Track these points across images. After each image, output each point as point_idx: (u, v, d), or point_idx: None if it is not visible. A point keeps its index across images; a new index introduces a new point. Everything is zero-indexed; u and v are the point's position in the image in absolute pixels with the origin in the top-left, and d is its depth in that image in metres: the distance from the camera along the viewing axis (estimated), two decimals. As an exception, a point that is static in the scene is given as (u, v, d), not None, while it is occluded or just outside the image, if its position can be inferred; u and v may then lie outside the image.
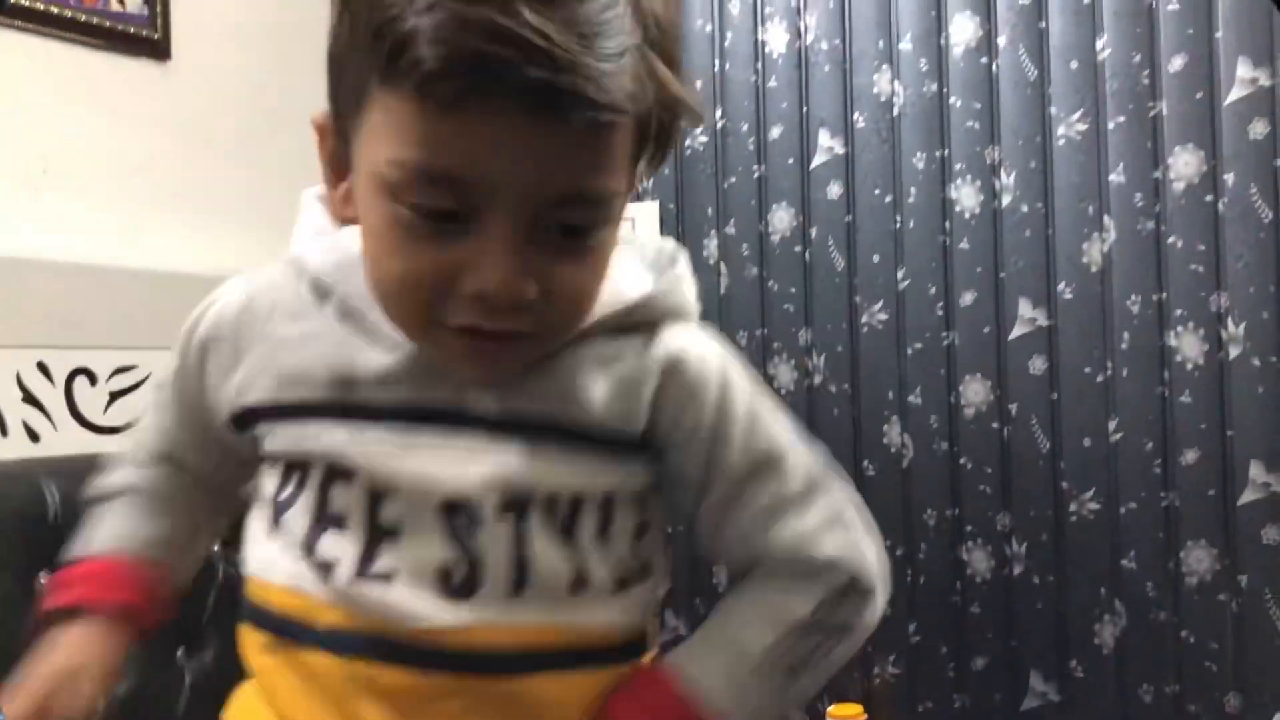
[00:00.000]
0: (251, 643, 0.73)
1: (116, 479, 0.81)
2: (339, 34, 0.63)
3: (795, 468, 0.74)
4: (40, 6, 1.44)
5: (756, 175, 1.72)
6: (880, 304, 1.65)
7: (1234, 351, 1.44)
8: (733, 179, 1.73)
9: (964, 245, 1.60)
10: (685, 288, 0.74)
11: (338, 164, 0.67)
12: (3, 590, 1.10)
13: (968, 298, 1.60)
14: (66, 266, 1.43)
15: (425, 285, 0.61)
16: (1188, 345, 1.47)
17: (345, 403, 0.68)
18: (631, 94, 0.58)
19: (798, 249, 1.69)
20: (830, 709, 1.45)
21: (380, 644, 0.67)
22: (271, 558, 0.71)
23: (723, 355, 0.73)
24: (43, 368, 1.39)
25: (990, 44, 1.58)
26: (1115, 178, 1.51)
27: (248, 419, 0.72)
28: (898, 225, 1.64)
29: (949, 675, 1.61)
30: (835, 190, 1.67)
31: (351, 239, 0.69)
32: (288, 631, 0.70)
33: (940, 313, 1.62)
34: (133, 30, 1.55)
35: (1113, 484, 1.52)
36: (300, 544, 0.69)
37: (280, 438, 0.71)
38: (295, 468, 0.71)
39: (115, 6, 1.53)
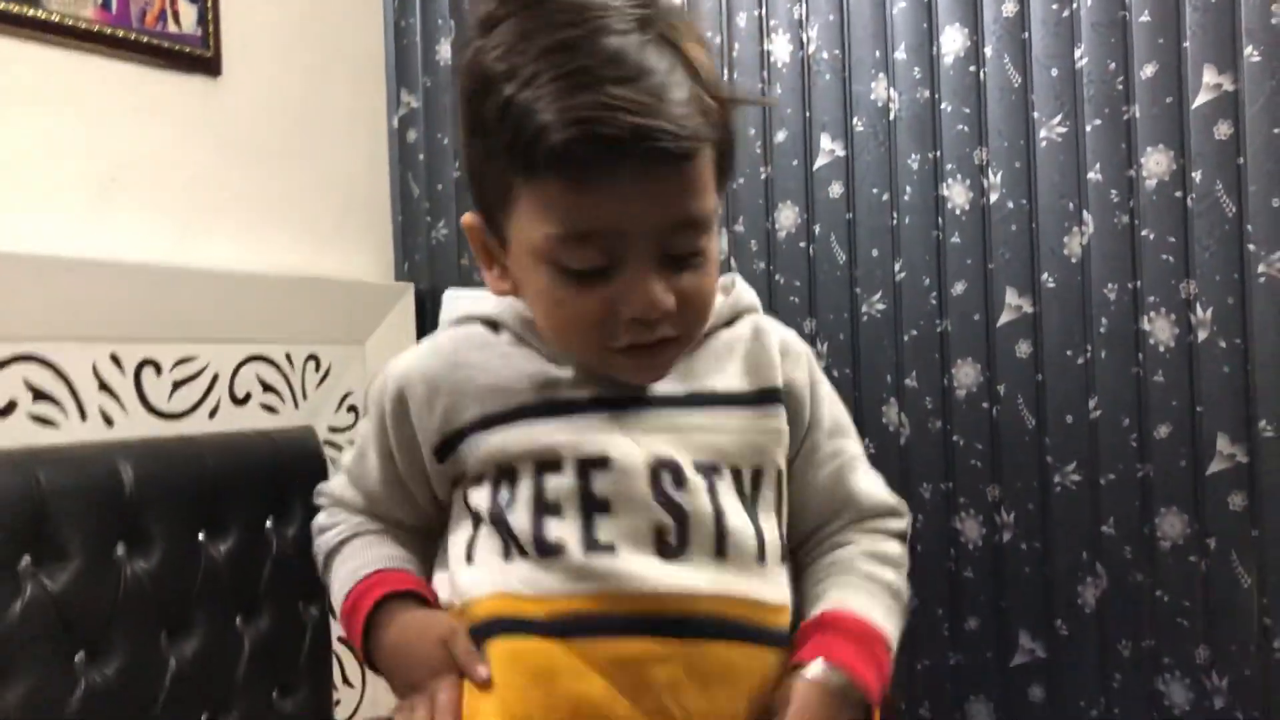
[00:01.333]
0: (495, 657, 0.81)
1: (339, 531, 0.94)
2: (474, 153, 0.79)
3: (856, 436, 0.92)
4: (108, 30, 1.56)
5: (763, 176, 1.81)
6: (879, 295, 1.74)
7: (1202, 335, 1.53)
8: (741, 180, 1.82)
9: (955, 239, 1.68)
10: (755, 295, 0.93)
11: (489, 252, 0.84)
12: (84, 560, 1.18)
13: (959, 288, 1.69)
14: (133, 267, 1.54)
15: (592, 323, 0.77)
16: (1160, 329, 1.56)
17: (551, 401, 0.82)
18: (701, 125, 0.74)
19: (802, 245, 1.79)
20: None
21: (597, 619, 0.76)
22: (476, 576, 0.82)
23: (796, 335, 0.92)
24: (115, 359, 1.49)
25: (978, 54, 1.67)
26: (1093, 176, 1.60)
27: (454, 440, 0.84)
28: (894, 222, 1.73)
29: (944, 635, 1.70)
30: (836, 190, 1.76)
31: (502, 299, 0.86)
32: (500, 630, 0.79)
33: (934, 302, 1.71)
34: (188, 49, 1.67)
35: (1093, 457, 1.61)
36: (529, 539, 0.79)
37: (490, 445, 0.82)
38: (505, 474, 0.82)
39: (172, 28, 1.66)
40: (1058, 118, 1.62)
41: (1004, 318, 1.66)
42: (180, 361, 1.58)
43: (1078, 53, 1.61)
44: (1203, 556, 1.55)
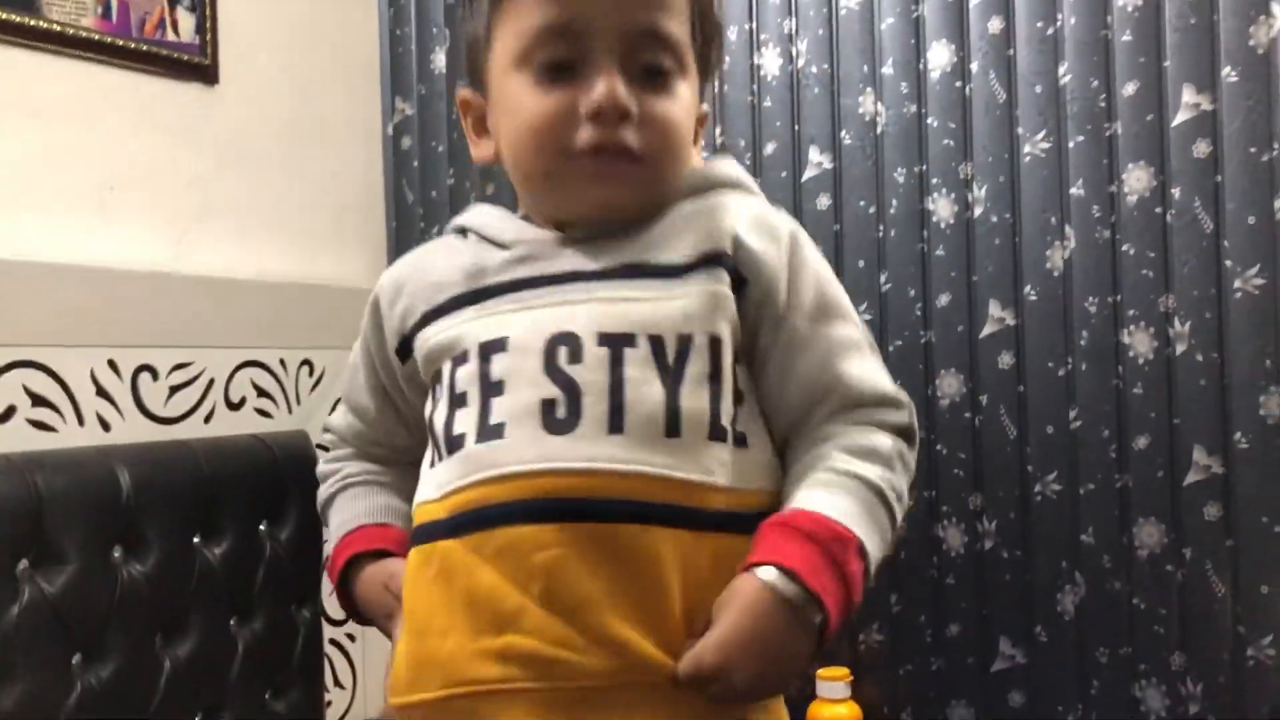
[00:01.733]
0: (408, 566, 0.85)
1: (334, 482, 1.01)
2: (469, 21, 0.86)
3: (858, 322, 0.88)
4: (107, 39, 1.58)
5: (752, 187, 1.84)
6: (865, 305, 1.76)
7: (1180, 348, 1.56)
8: (730, 191, 1.86)
9: (940, 252, 1.71)
10: (743, 173, 0.90)
11: (478, 121, 0.90)
12: (81, 563, 1.21)
13: (943, 299, 1.71)
14: (130, 274, 1.56)
15: (555, 118, 0.80)
16: (1139, 342, 1.59)
17: (477, 289, 0.84)
18: None
19: (790, 255, 1.81)
20: (820, 671, 1.56)
21: (489, 512, 0.76)
22: (417, 493, 0.86)
23: (795, 222, 0.88)
24: (112, 364, 1.51)
25: (964, 70, 1.70)
26: (1075, 191, 1.62)
27: (410, 341, 0.88)
28: (880, 234, 1.75)
29: (927, 641, 1.72)
30: (824, 201, 1.78)
31: (496, 208, 0.91)
32: (416, 539, 0.83)
33: (919, 313, 1.73)
34: (186, 58, 1.69)
35: (1073, 467, 1.63)
36: (442, 436, 0.81)
37: (423, 344, 0.85)
38: (437, 376, 0.85)
39: (171, 37, 1.68)
40: (1041, 133, 1.65)
41: (987, 329, 1.69)
42: (177, 367, 1.60)
43: (1061, 70, 1.63)
44: (1179, 566, 1.57)
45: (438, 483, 0.81)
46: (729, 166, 0.90)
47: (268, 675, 1.37)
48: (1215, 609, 1.55)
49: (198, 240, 1.70)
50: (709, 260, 0.81)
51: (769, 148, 1.82)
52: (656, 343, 0.77)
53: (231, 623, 1.34)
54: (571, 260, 0.82)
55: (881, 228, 1.75)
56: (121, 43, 1.60)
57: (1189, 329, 1.56)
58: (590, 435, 0.75)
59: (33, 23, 1.48)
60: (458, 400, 0.81)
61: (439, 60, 2.04)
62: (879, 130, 1.75)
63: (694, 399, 0.77)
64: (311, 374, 1.82)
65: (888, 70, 1.75)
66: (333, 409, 1.05)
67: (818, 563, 0.75)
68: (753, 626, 0.73)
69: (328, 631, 1.52)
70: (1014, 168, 1.67)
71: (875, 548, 0.79)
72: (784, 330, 0.82)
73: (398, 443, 0.98)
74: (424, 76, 2.05)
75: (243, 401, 1.70)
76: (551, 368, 0.77)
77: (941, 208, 1.71)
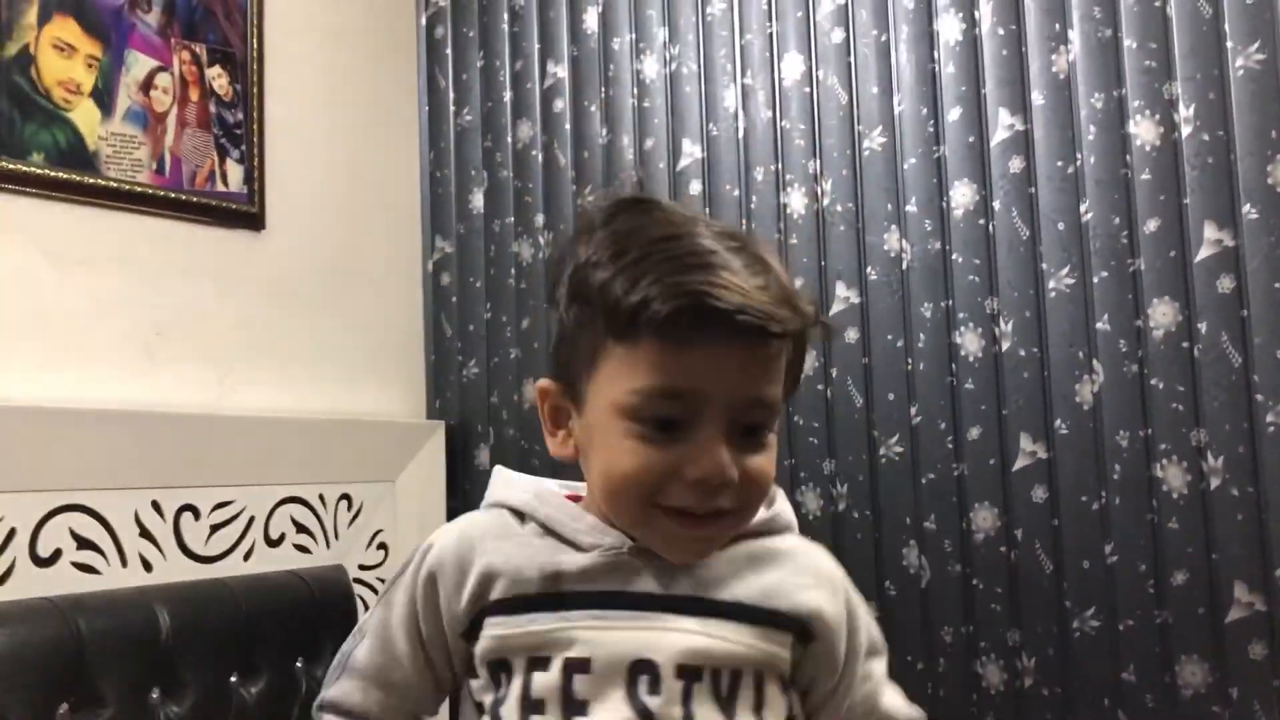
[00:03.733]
0: None
1: None
2: (568, 322, 0.87)
3: (884, 647, 0.96)
4: (160, 193, 1.66)
5: (782, 322, 1.87)
6: (896, 438, 1.77)
7: (1214, 482, 1.55)
8: (760, 325, 1.88)
9: (969, 385, 1.72)
10: (789, 510, 0.96)
11: (558, 416, 0.90)
12: (119, 707, 1.21)
13: (974, 433, 1.72)
14: (175, 416, 1.61)
15: (654, 475, 0.82)
16: (1173, 476, 1.58)
17: (554, 593, 0.87)
18: (790, 317, 0.81)
19: (820, 388, 1.83)
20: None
21: None
22: None
23: (836, 562, 0.95)
24: (156, 506, 1.55)
25: (987, 207, 1.73)
26: (1101, 326, 1.64)
27: (479, 620, 0.88)
28: (909, 367, 1.77)
29: None
30: (852, 335, 1.81)
31: (539, 483, 0.93)
32: None
33: (950, 446, 1.74)
34: (234, 206, 1.77)
35: (1111, 602, 1.61)
36: None
37: (492, 634, 0.87)
38: (502, 666, 0.87)
39: (220, 187, 1.75)
40: (1065, 269, 1.67)
41: (1019, 463, 1.69)
42: (218, 506, 1.64)
43: (1083, 207, 1.66)
44: (1225, 706, 1.53)
45: None
46: (788, 511, 0.95)
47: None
48: (1265, 752, 1.51)
49: (241, 380, 1.76)
50: (779, 620, 0.88)
51: (796, 284, 1.84)
52: (716, 676, 0.85)
53: (270, 769, 1.34)
54: (647, 581, 0.87)
55: (910, 361, 1.77)
56: (174, 195, 1.68)
57: (1222, 463, 1.55)
58: None
59: (91, 181, 1.56)
60: (533, 706, 0.85)
61: (477, 200, 2.11)
62: (904, 266, 1.79)
63: None
64: (350, 508, 1.84)
65: (911, 208, 1.78)
66: (331, 675, 0.97)
67: None
68: None
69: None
70: (1040, 303, 1.69)
71: None
72: (842, 677, 0.92)
73: (422, 709, 0.98)
74: (463, 216, 2.12)
75: (282, 538, 1.72)
76: (632, 695, 0.83)
77: (969, 342, 1.73)
